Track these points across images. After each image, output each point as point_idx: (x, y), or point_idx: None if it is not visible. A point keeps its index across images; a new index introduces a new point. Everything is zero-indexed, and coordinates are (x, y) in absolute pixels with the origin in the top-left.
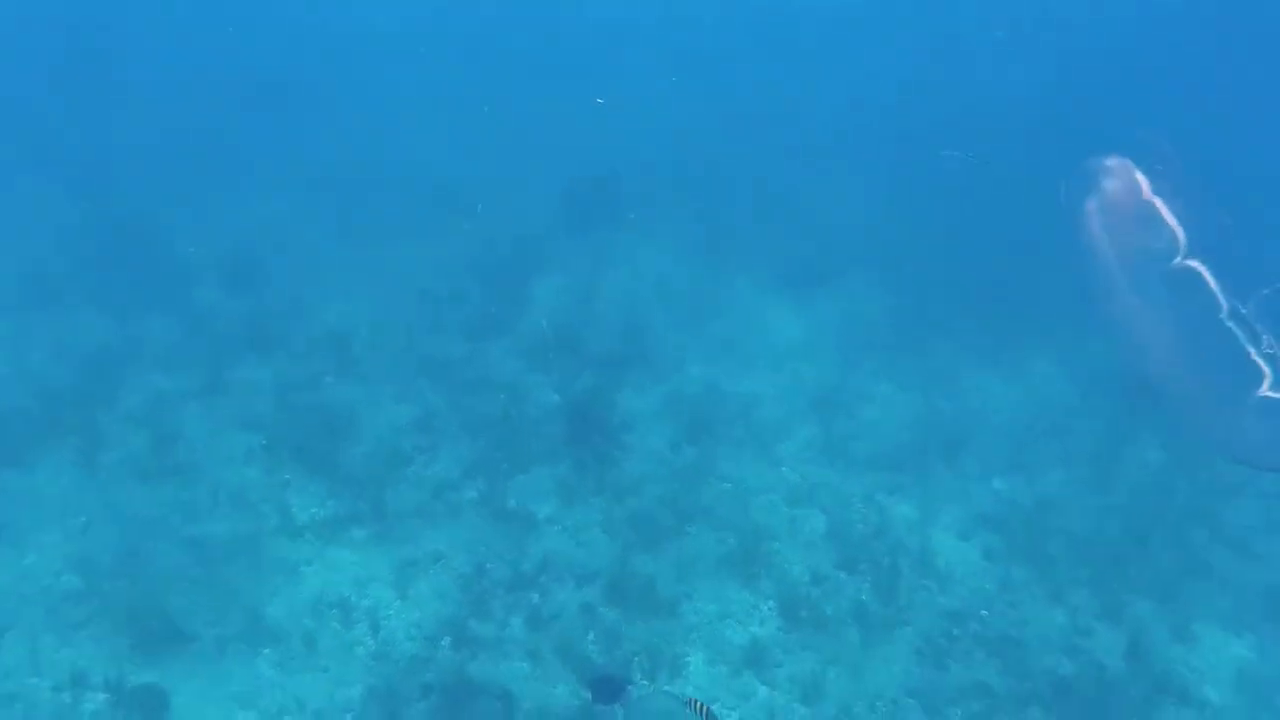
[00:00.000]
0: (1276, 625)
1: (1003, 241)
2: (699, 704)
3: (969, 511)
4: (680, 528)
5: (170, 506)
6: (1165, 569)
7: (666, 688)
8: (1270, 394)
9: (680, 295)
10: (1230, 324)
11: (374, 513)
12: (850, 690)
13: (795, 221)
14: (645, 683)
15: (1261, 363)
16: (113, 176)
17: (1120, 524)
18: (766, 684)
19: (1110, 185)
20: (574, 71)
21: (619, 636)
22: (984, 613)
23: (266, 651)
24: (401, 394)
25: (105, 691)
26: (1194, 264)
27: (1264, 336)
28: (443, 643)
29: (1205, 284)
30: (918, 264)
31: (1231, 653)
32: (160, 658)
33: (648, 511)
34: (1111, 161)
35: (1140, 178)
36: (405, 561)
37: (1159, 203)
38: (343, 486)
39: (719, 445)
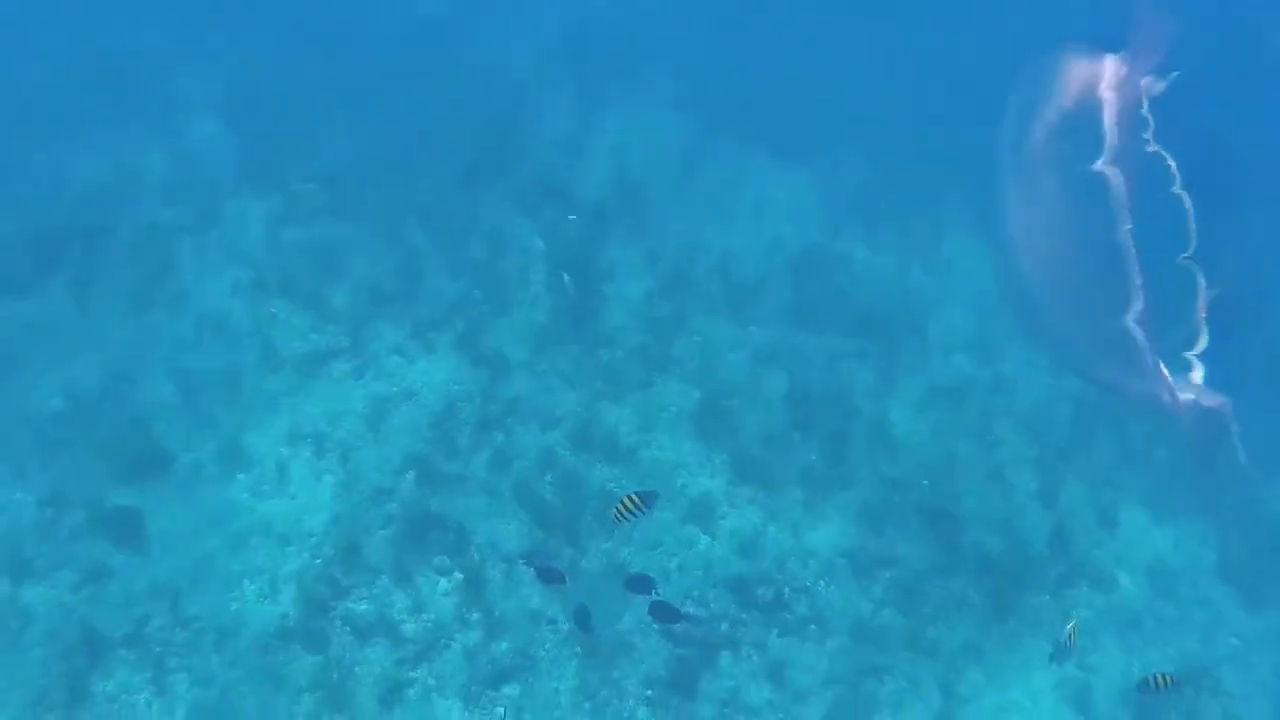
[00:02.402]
0: (1196, 520)
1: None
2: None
3: (927, 383)
4: (647, 379)
5: (157, 336)
6: (1105, 457)
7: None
8: (1132, 326)
9: (671, 149)
10: (1125, 242)
11: (354, 349)
12: (786, 546)
13: (789, 86)
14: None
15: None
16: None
17: (1070, 410)
18: (708, 534)
19: (1067, 73)
20: None
21: (576, 480)
22: (925, 483)
23: (240, 477)
24: (390, 235)
25: (84, 509)
26: (1110, 171)
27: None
28: (407, 476)
29: (1113, 195)
30: (909, 134)
31: (1150, 542)
32: (138, 480)
33: (618, 362)
34: (1081, 48)
35: (1107, 69)
36: (380, 397)
37: (1107, 100)
38: (326, 322)
39: (694, 299)
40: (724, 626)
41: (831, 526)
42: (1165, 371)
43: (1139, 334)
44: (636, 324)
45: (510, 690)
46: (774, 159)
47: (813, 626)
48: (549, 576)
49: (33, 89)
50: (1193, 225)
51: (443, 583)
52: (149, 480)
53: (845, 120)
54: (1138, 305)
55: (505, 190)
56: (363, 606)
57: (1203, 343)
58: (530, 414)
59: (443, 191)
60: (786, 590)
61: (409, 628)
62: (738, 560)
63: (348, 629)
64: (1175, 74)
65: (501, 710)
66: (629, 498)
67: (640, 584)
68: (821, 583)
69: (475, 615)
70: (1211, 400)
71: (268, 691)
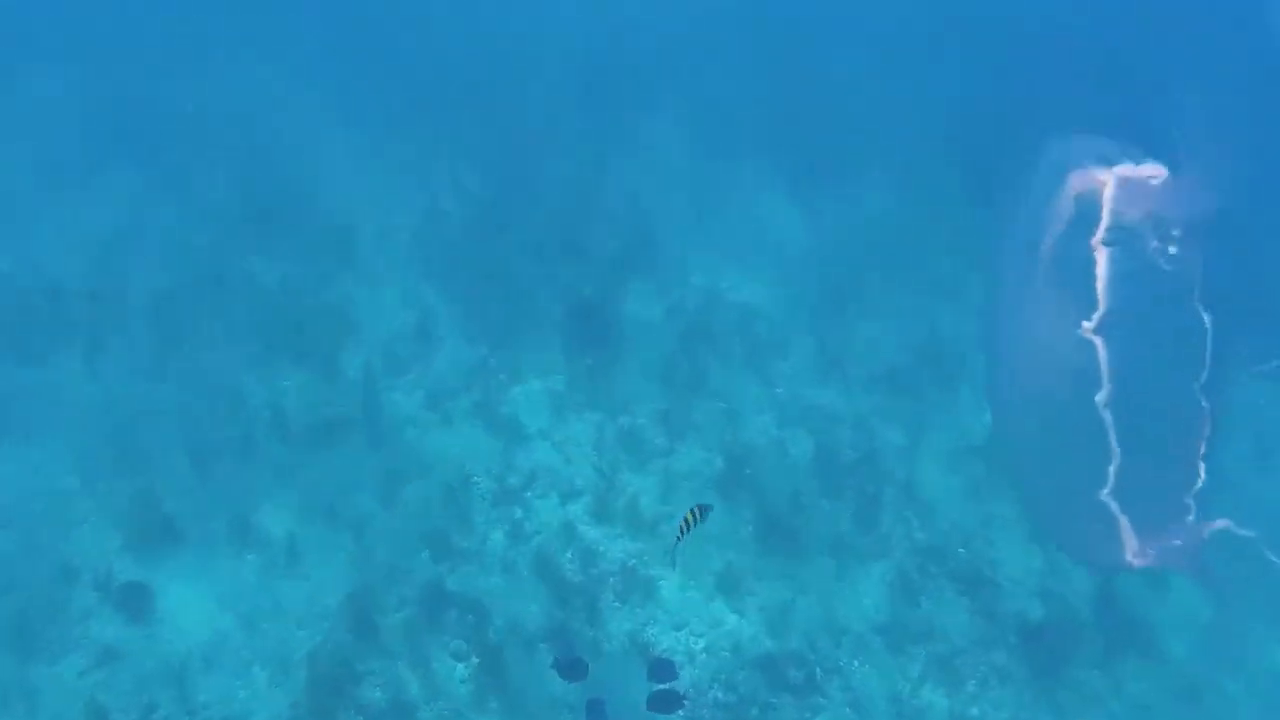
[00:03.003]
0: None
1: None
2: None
3: (959, 443)
4: (669, 446)
5: (169, 407)
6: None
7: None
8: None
9: (687, 193)
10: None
11: (368, 419)
12: (818, 622)
13: (809, 120)
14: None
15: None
16: (122, 62)
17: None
18: (736, 612)
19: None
20: None
21: (596, 556)
22: (961, 550)
23: (251, 556)
24: (403, 296)
25: (94, 588)
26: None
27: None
28: (422, 554)
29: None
30: (931, 173)
31: (1197, 605)
32: (148, 557)
33: (639, 429)
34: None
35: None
36: (393, 471)
37: (1100, 254)
38: (339, 393)
39: (715, 361)
40: (754, 711)
41: (865, 599)
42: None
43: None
44: (657, 389)
45: None
46: (795, 202)
47: (848, 710)
48: (571, 670)
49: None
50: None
51: (460, 668)
52: (159, 556)
53: (871, 166)
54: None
55: (522, 245)
56: (376, 693)
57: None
58: (549, 486)
59: (460, 250)
60: (819, 670)
61: (424, 716)
62: (768, 640)
63: (360, 717)
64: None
65: None
66: (692, 512)
67: (662, 670)
68: (855, 661)
69: (493, 703)
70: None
71: None
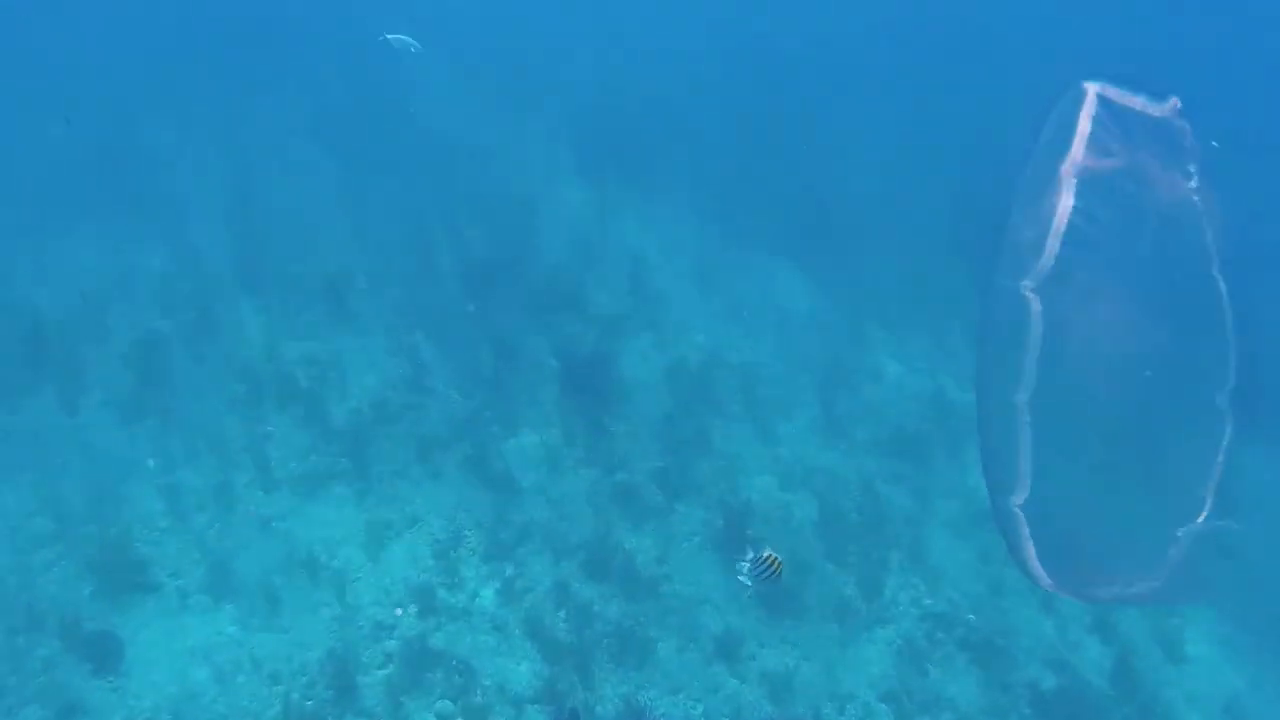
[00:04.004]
0: (1272, 653)
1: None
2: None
3: (968, 507)
4: (668, 505)
5: (147, 451)
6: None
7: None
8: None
9: (688, 256)
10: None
11: (355, 471)
12: (822, 689)
13: (810, 186)
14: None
15: None
16: (100, 101)
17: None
18: (736, 677)
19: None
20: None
21: (591, 616)
22: (971, 617)
23: (229, 607)
24: (394, 346)
25: (59, 636)
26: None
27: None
28: (409, 610)
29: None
30: (933, 236)
31: (1223, 679)
32: (120, 605)
33: (636, 486)
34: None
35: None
36: (381, 524)
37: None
38: (326, 442)
39: (717, 419)
40: None
41: (871, 666)
42: None
43: None
44: (656, 445)
45: None
46: (797, 267)
47: None
48: None
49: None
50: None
51: None
52: (131, 605)
53: (871, 227)
54: None
55: (517, 301)
56: None
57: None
58: (543, 543)
59: (451, 302)
60: None
61: None
62: (769, 706)
63: None
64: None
65: None
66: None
67: None
68: None
69: None
70: None
71: None
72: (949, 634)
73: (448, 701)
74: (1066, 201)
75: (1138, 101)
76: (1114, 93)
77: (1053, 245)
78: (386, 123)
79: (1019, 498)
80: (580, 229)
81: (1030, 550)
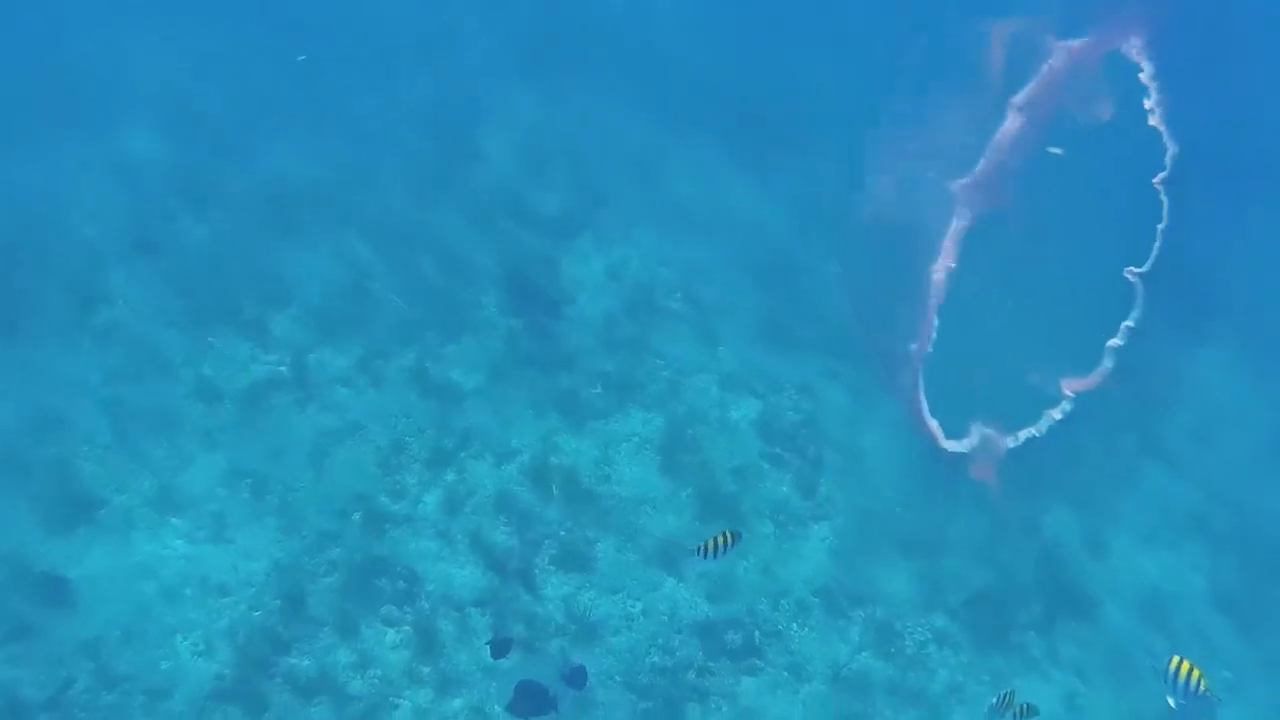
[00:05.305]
0: (1192, 544)
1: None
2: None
3: (906, 407)
4: (609, 409)
5: (88, 368)
6: (1092, 477)
7: None
8: None
9: (634, 155)
10: None
11: (296, 380)
12: (757, 586)
13: (760, 87)
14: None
15: None
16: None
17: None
18: (674, 576)
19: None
20: None
21: (531, 520)
22: (899, 509)
23: (174, 521)
24: (335, 253)
25: (3, 561)
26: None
27: None
28: (353, 518)
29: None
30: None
31: (1141, 570)
32: (65, 524)
33: (577, 390)
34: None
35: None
36: (324, 432)
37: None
38: (266, 351)
39: (658, 320)
40: (691, 675)
41: (804, 562)
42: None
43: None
44: (597, 348)
45: None
46: (739, 165)
47: (786, 674)
48: (501, 649)
49: None
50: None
51: (390, 635)
52: (76, 523)
53: (815, 123)
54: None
55: (461, 203)
56: (305, 662)
57: None
58: (484, 448)
59: (392, 206)
60: (757, 634)
61: (355, 685)
62: (705, 605)
63: (289, 687)
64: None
65: None
66: (724, 535)
67: (577, 678)
68: (795, 625)
69: (426, 670)
70: None
71: None
72: (881, 529)
73: (393, 607)
74: (1014, 121)
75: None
76: None
77: (992, 155)
78: (323, 24)
79: (919, 347)
80: (521, 130)
81: (920, 394)
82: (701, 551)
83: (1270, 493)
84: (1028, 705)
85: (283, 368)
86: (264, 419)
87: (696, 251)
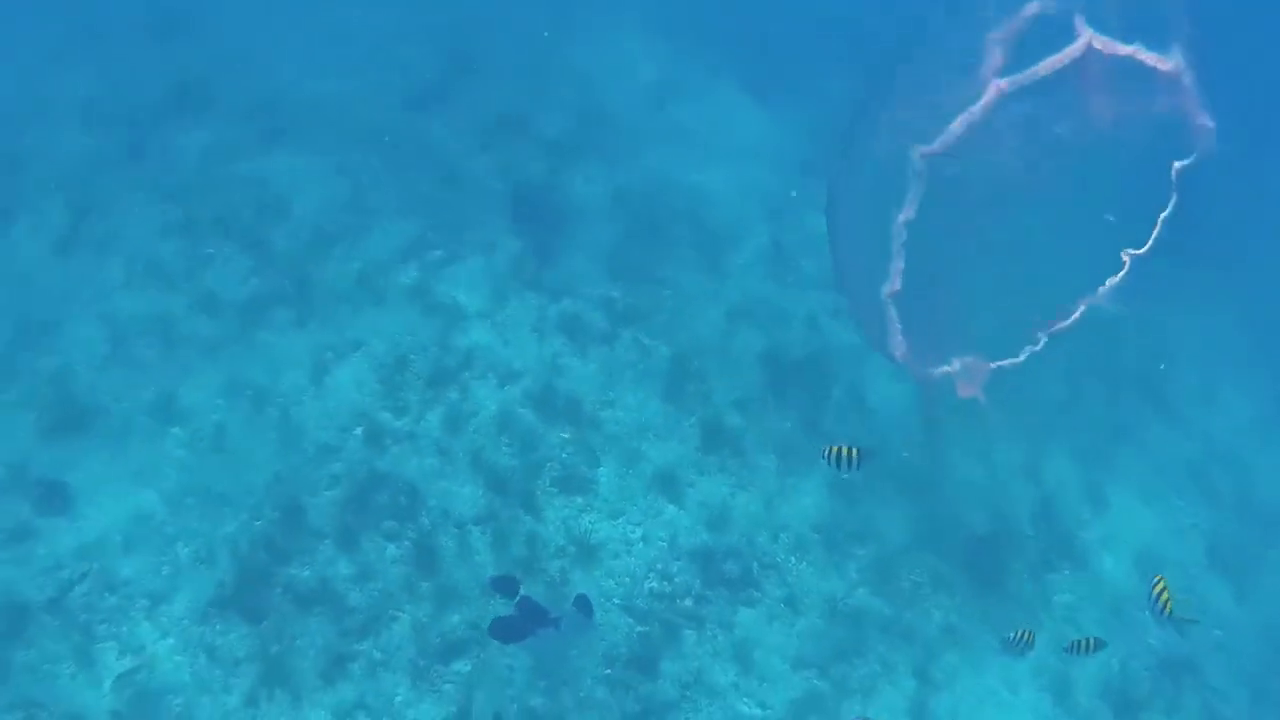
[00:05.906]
0: (1191, 501)
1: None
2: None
3: None
4: (613, 333)
5: (84, 280)
6: (1093, 430)
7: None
8: None
9: (643, 78)
10: None
11: (298, 294)
12: (757, 519)
13: (766, 13)
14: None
15: None
16: None
17: (1060, 381)
18: (674, 503)
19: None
20: None
21: (534, 441)
22: (905, 453)
23: (175, 431)
24: (336, 167)
25: (4, 467)
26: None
27: None
28: (354, 433)
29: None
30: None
31: (1138, 523)
32: (63, 435)
33: (581, 313)
34: None
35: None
36: (325, 347)
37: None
38: (267, 264)
39: (664, 246)
40: (689, 603)
41: (805, 498)
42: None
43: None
44: (602, 273)
45: (461, 666)
46: (750, 93)
47: (782, 606)
48: (504, 586)
49: None
50: None
51: (391, 549)
52: (75, 433)
53: (827, 51)
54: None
55: (464, 121)
56: (305, 573)
57: None
58: (487, 368)
59: (396, 122)
60: (755, 566)
61: (354, 597)
62: (705, 533)
63: (289, 597)
64: None
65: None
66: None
67: (585, 606)
68: (793, 559)
69: (425, 585)
70: None
71: (202, 664)
72: (884, 467)
73: (393, 522)
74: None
75: None
76: None
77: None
78: None
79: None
80: (528, 49)
81: (895, 323)
82: (828, 457)
83: (1271, 454)
84: (1095, 640)
85: (284, 281)
86: (264, 332)
87: (705, 178)
